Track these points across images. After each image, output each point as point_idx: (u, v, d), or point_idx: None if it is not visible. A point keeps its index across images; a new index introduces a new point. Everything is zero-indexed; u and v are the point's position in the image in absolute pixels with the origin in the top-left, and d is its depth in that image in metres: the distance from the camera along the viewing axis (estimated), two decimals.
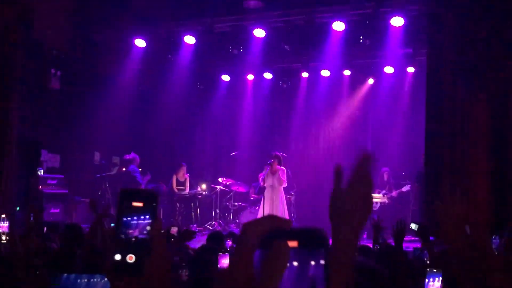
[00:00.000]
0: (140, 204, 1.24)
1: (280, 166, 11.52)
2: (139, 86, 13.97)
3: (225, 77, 15.22)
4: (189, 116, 15.72)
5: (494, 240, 4.94)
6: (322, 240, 1.00)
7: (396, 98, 14.02)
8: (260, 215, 11.26)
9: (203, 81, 15.36)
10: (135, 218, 1.23)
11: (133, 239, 1.23)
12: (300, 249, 0.99)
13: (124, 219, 1.23)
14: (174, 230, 5.51)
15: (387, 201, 12.36)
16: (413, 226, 5.36)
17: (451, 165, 9.03)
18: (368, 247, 5.40)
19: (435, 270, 3.19)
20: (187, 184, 13.56)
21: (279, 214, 11.13)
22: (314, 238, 1.01)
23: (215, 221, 13.49)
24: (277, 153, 11.85)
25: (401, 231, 4.51)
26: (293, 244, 0.99)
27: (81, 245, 4.48)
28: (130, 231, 1.23)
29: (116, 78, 13.12)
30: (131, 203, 1.24)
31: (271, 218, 1.04)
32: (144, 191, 1.26)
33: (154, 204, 1.25)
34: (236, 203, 13.71)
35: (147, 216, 1.24)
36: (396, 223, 4.63)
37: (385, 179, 12.95)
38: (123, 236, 1.23)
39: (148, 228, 1.23)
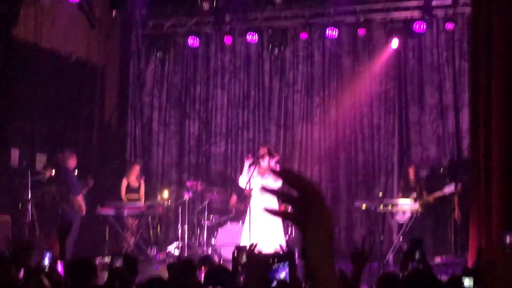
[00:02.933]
0: None
1: (272, 162, 11.45)
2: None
3: (194, 41, 15.10)
4: (143, 94, 15.63)
5: None
6: None
7: (431, 65, 14.02)
8: (245, 233, 11.21)
9: (161, 46, 15.29)
10: None
11: None
12: None
13: None
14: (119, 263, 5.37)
15: (420, 210, 12.35)
16: (466, 281, 5.15)
17: (503, 160, 9.05)
18: (394, 275, 5.42)
19: None
20: (142, 190, 13.49)
21: (271, 232, 11.10)
22: None
23: (181, 242, 13.44)
24: (268, 146, 11.81)
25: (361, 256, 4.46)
26: None
27: None
28: None
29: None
30: None
31: None
32: None
33: None
34: (212, 216, 13.66)
35: None
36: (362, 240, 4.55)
37: (412, 176, 12.91)
38: None
39: None
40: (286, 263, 4.39)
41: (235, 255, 6.25)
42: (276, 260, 4.41)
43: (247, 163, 11.61)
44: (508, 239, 7.55)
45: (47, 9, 13.19)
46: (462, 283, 5.07)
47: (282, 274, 4.43)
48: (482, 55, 9.49)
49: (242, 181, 11.62)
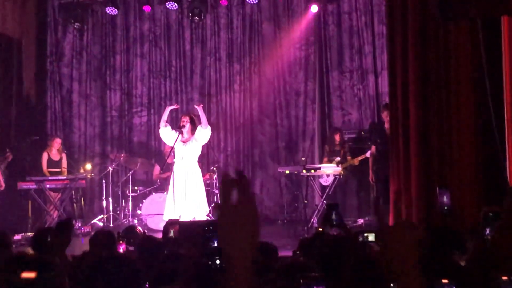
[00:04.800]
0: (31, 275, 1.23)
1: (194, 132, 11.35)
2: None
3: (112, 10, 14.83)
4: (62, 65, 15.33)
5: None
6: None
7: (350, 29, 14.14)
8: (169, 203, 11.16)
9: (78, 15, 14.96)
10: None
11: None
12: None
13: None
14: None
15: (343, 173, 12.51)
16: (370, 237, 5.28)
17: (420, 121, 9.23)
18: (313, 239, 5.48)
19: None
20: (64, 164, 13.27)
21: (194, 200, 11.08)
22: None
23: (107, 214, 13.35)
24: (189, 114, 11.71)
25: None
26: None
27: None
28: None
29: None
30: (19, 275, 1.27)
31: None
32: (37, 258, 1.27)
33: (52, 273, 1.24)
34: (136, 188, 13.59)
35: None
36: None
37: (337, 141, 13.04)
38: None
39: None
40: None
41: (166, 228, 6.23)
42: (209, 229, 4.47)
43: (168, 108, 11.59)
44: (445, 199, 7.72)
45: None
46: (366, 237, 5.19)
47: (215, 243, 4.48)
48: (397, 18, 9.59)
49: (162, 129, 11.45)
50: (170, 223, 6.36)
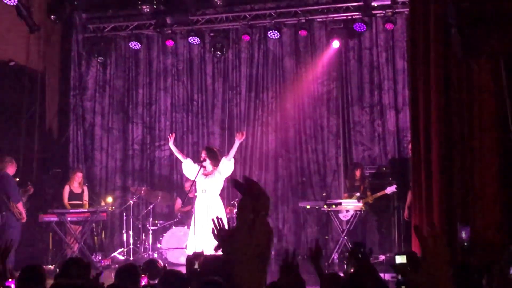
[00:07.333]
0: None
1: (216, 165, 11.33)
2: None
3: (135, 45, 15.00)
4: (85, 99, 15.48)
5: None
6: None
7: (371, 65, 14.18)
8: (191, 236, 11.15)
9: (102, 50, 15.15)
10: None
11: None
12: None
13: None
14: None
15: (364, 209, 12.47)
16: (399, 259, 5.27)
17: (442, 156, 9.22)
18: (336, 275, 5.50)
19: None
20: (85, 197, 13.33)
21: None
22: None
23: (127, 247, 13.36)
24: (207, 148, 11.69)
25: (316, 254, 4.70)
26: None
27: None
28: None
29: None
30: None
31: None
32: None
33: None
34: (157, 221, 13.60)
35: None
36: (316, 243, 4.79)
37: (357, 176, 13.04)
38: None
39: None
40: None
41: (190, 261, 6.24)
42: None
43: (171, 145, 11.65)
44: (464, 234, 7.69)
45: None
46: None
47: None
48: (419, 54, 9.62)
49: (184, 162, 11.54)
50: (195, 256, 6.36)
